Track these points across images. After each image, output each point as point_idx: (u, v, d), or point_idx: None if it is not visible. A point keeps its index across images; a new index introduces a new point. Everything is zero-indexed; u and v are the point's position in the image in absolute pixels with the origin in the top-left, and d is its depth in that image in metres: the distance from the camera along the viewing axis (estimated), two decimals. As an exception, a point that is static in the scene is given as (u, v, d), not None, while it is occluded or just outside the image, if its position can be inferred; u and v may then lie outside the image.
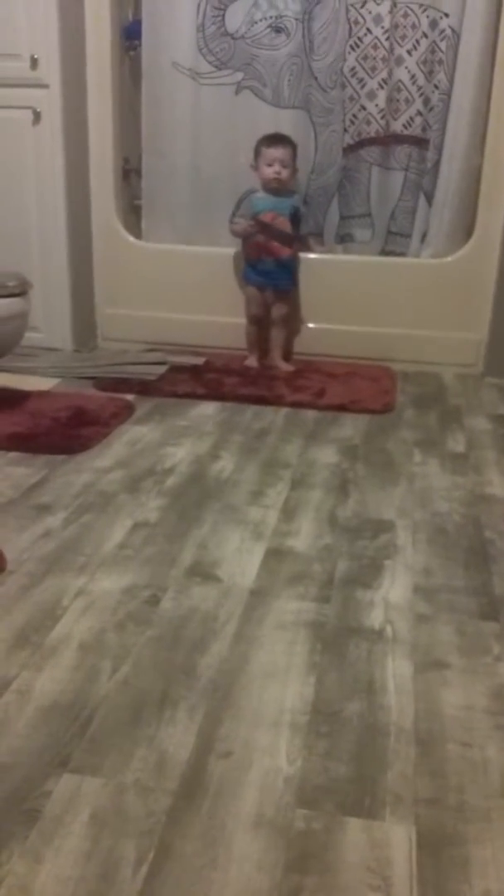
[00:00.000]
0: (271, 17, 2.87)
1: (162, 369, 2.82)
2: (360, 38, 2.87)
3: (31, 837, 0.93)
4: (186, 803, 1.00)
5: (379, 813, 0.99)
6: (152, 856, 0.92)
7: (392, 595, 1.48)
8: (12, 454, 2.08)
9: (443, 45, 2.83)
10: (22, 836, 0.93)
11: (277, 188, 2.83)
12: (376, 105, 2.94)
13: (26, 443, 2.14)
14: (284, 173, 2.80)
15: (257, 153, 2.83)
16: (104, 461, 2.06)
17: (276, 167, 2.79)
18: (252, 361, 2.93)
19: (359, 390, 2.68)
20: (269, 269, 2.88)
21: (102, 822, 0.96)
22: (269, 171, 2.80)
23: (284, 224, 2.85)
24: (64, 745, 1.08)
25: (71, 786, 1.01)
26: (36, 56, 2.74)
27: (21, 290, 2.30)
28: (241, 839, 0.94)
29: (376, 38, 2.86)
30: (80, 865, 0.90)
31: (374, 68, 2.90)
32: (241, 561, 1.59)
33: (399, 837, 0.95)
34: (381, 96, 2.92)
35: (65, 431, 2.22)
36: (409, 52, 2.87)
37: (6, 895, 0.86)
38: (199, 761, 1.06)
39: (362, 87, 2.93)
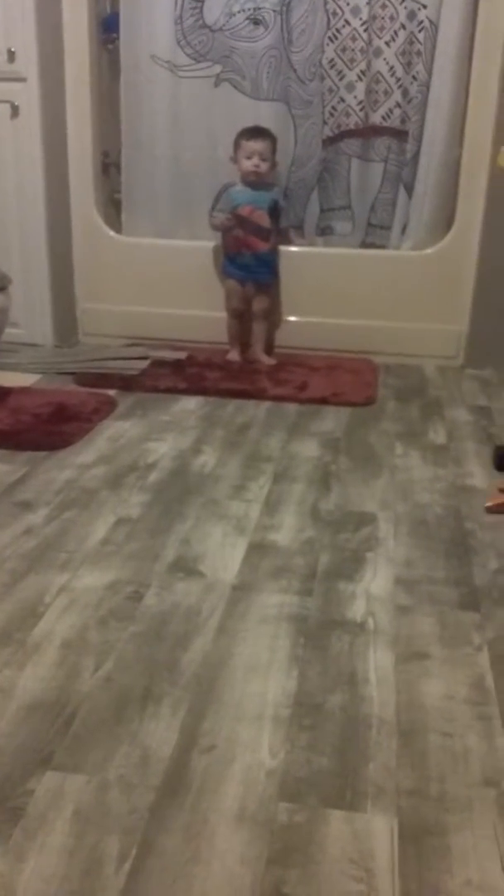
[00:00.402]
0: (249, 9, 2.86)
1: (143, 364, 2.81)
2: (338, 30, 2.86)
3: (14, 835, 0.94)
4: (169, 799, 1.00)
5: (361, 805, 1.00)
6: (135, 851, 0.92)
7: (374, 587, 1.49)
8: (-7, 451, 2.07)
9: (421, 37, 2.83)
10: (5, 835, 0.94)
11: (256, 181, 2.82)
12: (355, 97, 2.93)
13: (7, 439, 2.13)
14: (263, 166, 2.80)
15: (237, 146, 2.82)
16: (86, 457, 2.06)
17: (255, 160, 2.79)
18: (234, 355, 2.93)
19: (341, 383, 2.69)
20: (248, 262, 2.88)
21: (85, 818, 0.96)
22: (247, 164, 2.80)
23: (262, 218, 2.84)
24: (47, 743, 1.08)
25: (54, 783, 1.02)
26: (13, 49, 2.72)
27: (0, 286, 2.28)
28: (224, 833, 0.95)
29: (354, 29, 2.85)
30: (63, 863, 0.90)
31: (352, 60, 2.89)
32: (224, 555, 1.59)
33: (381, 828, 0.96)
34: (360, 88, 2.92)
35: (46, 428, 2.22)
36: (387, 44, 2.86)
37: (-11, 894, 0.86)
38: (181, 756, 1.07)
39: (341, 78, 2.93)
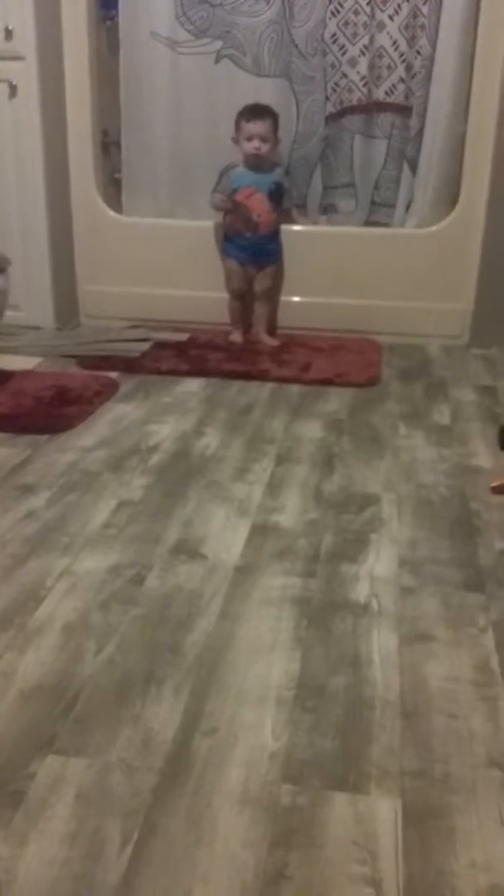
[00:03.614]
0: (250, -17, 2.81)
1: (145, 346, 2.79)
2: (340, 4, 2.81)
3: (15, 819, 0.93)
4: (172, 781, 0.99)
5: (364, 787, 0.99)
6: (137, 835, 0.92)
7: (378, 569, 1.48)
8: (-5, 434, 2.06)
9: (425, 10, 2.78)
10: (6, 819, 0.93)
11: (258, 163, 2.79)
12: (358, 72, 2.89)
13: (9, 423, 2.12)
14: (263, 148, 2.75)
15: (237, 127, 2.77)
16: (88, 440, 2.04)
17: (256, 143, 2.74)
18: (236, 337, 2.91)
19: (344, 364, 2.66)
20: (248, 243, 2.85)
21: (87, 802, 0.96)
22: (248, 147, 2.75)
23: (261, 202, 2.79)
24: (48, 726, 1.08)
25: (55, 767, 1.01)
26: (10, 27, 2.68)
27: (0, 268, 2.26)
28: (227, 816, 0.94)
29: (357, 3, 2.80)
30: (65, 846, 0.90)
31: (355, 34, 2.85)
32: (227, 538, 1.58)
33: (385, 810, 0.95)
34: (363, 63, 2.87)
35: (48, 411, 2.20)
36: (390, 18, 2.82)
37: (-9, 878, 0.86)
38: (184, 739, 1.06)
39: (343, 53, 2.88)
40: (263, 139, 2.74)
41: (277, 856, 0.89)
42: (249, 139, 2.74)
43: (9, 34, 2.69)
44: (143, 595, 1.38)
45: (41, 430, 2.08)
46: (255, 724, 1.09)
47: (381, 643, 1.26)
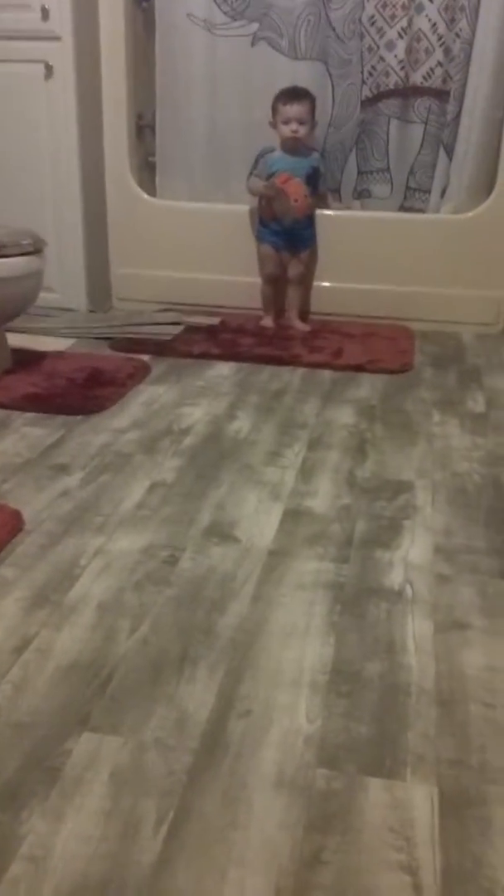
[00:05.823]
0: (288, -36, 2.78)
1: (177, 329, 2.79)
2: (379, -15, 2.78)
3: (51, 796, 0.93)
4: (207, 762, 0.99)
5: (400, 773, 0.98)
6: (173, 815, 0.91)
7: (412, 555, 1.47)
8: (29, 415, 2.06)
9: (466, -9, 2.74)
10: (43, 795, 0.93)
11: (295, 147, 2.76)
12: (395, 56, 2.85)
13: (43, 403, 2.12)
14: (302, 131, 2.73)
15: (274, 110, 2.74)
16: (121, 421, 2.05)
17: (294, 125, 2.71)
18: (268, 321, 2.89)
19: (376, 350, 2.64)
20: (283, 229, 2.82)
21: (122, 780, 0.96)
22: (286, 130, 2.73)
23: (297, 186, 2.76)
24: (84, 704, 1.08)
25: (91, 745, 1.01)
26: (47, 6, 2.67)
27: (35, 249, 2.26)
28: (262, 799, 0.94)
29: (396, -16, 2.77)
30: (100, 824, 0.90)
31: (393, 17, 2.81)
32: (259, 521, 1.58)
33: (421, 798, 0.95)
34: (401, 46, 2.83)
35: (81, 392, 2.21)
36: (430, -1, 2.78)
37: (28, 853, 0.86)
38: (218, 720, 1.06)
39: (381, 36, 2.84)
40: (301, 122, 2.71)
41: (313, 840, 0.89)
42: (287, 122, 2.72)
43: (45, 14, 2.68)
44: (176, 576, 1.38)
45: (75, 411, 2.09)
46: (290, 708, 1.08)
47: (416, 630, 1.25)
